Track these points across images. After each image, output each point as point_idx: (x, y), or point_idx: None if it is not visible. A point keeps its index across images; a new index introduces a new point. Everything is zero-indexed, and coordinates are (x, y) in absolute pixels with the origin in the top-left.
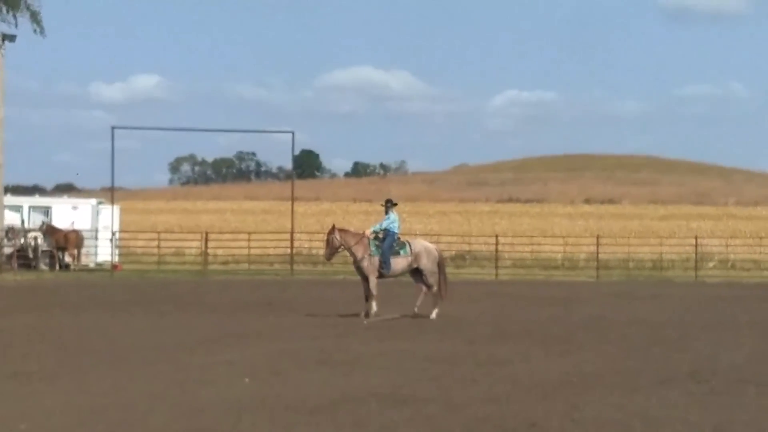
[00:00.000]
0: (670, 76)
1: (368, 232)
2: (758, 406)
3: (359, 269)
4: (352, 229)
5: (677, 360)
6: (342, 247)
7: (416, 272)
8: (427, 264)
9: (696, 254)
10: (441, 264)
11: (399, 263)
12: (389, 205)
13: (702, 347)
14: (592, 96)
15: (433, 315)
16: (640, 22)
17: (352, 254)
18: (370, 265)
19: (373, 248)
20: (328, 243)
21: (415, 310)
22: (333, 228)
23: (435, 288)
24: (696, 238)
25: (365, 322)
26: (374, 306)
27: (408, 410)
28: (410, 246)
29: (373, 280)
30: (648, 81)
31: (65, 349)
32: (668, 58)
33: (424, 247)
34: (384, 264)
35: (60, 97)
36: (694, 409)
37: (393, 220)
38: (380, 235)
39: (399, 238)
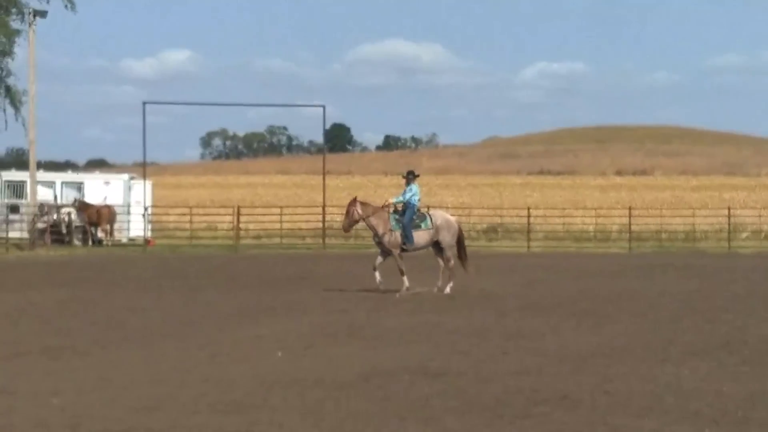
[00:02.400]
0: (700, 46)
1: (391, 200)
2: None
3: (380, 244)
4: (373, 203)
5: (709, 331)
6: (362, 220)
7: (437, 245)
8: (447, 237)
9: (729, 225)
10: (461, 237)
11: (421, 237)
12: (411, 176)
13: (733, 318)
14: (622, 67)
15: (447, 289)
16: None
17: (373, 228)
18: (393, 239)
19: (393, 222)
20: (348, 214)
21: (438, 287)
22: (354, 200)
23: (452, 262)
24: (729, 208)
25: (397, 295)
26: (405, 281)
27: (439, 383)
28: (431, 218)
29: (398, 257)
30: (678, 51)
31: (97, 324)
32: (699, 28)
33: (445, 220)
34: (407, 237)
35: (91, 72)
36: (725, 380)
37: (415, 192)
38: (399, 208)
39: (419, 211)
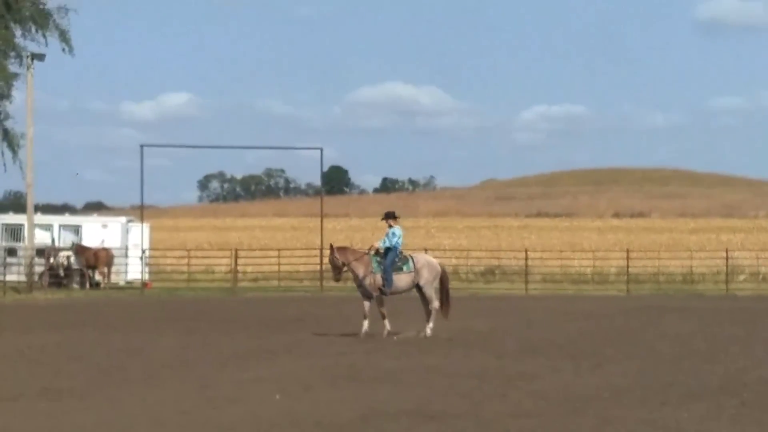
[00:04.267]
0: (698, 88)
1: (376, 244)
2: None
3: (361, 287)
4: (348, 243)
5: (707, 373)
6: (345, 266)
7: (420, 290)
8: (427, 277)
9: (726, 267)
10: (444, 279)
11: (402, 280)
12: (391, 218)
13: (732, 361)
14: (621, 109)
15: (428, 331)
16: (667, 34)
17: (353, 272)
18: (374, 282)
19: (375, 265)
20: (332, 264)
21: (422, 333)
22: (331, 248)
23: (435, 303)
24: (726, 251)
25: (395, 338)
26: (387, 325)
27: (438, 426)
28: (413, 261)
29: (366, 303)
30: (677, 93)
31: (96, 366)
32: (696, 70)
33: (427, 261)
34: (386, 281)
35: (89, 115)
36: (724, 422)
37: (399, 236)
38: (381, 251)
39: (402, 254)
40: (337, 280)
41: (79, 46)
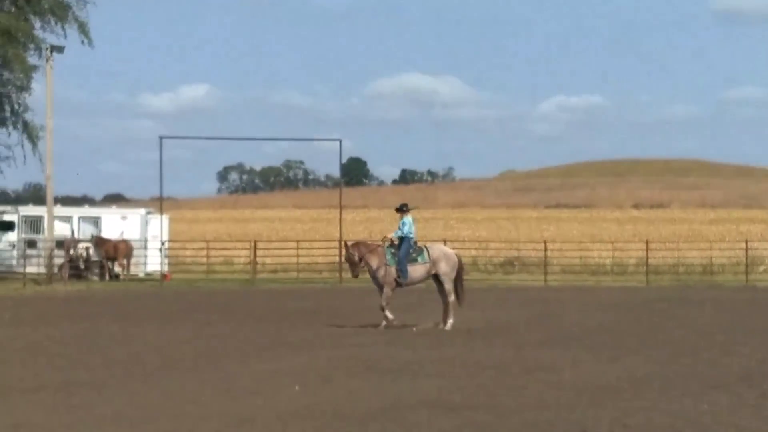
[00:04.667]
0: (719, 78)
1: (389, 236)
2: None
3: (375, 279)
4: (365, 240)
5: (728, 364)
6: (360, 260)
7: (438, 281)
8: (446, 269)
9: (746, 258)
10: (460, 270)
11: (417, 270)
12: (404, 209)
13: (753, 352)
14: (639, 100)
15: (448, 325)
16: (688, 24)
17: (368, 264)
18: (387, 275)
19: (389, 257)
20: (348, 261)
21: (441, 325)
22: (345, 245)
23: (453, 297)
24: (746, 242)
25: (414, 329)
26: (389, 314)
27: (457, 417)
28: (428, 251)
29: (387, 291)
30: (697, 83)
31: (115, 358)
32: (717, 60)
33: (443, 252)
34: (401, 272)
35: (109, 107)
36: (745, 413)
37: (409, 225)
38: (395, 242)
39: (416, 244)
40: (355, 276)
41: (98, 38)
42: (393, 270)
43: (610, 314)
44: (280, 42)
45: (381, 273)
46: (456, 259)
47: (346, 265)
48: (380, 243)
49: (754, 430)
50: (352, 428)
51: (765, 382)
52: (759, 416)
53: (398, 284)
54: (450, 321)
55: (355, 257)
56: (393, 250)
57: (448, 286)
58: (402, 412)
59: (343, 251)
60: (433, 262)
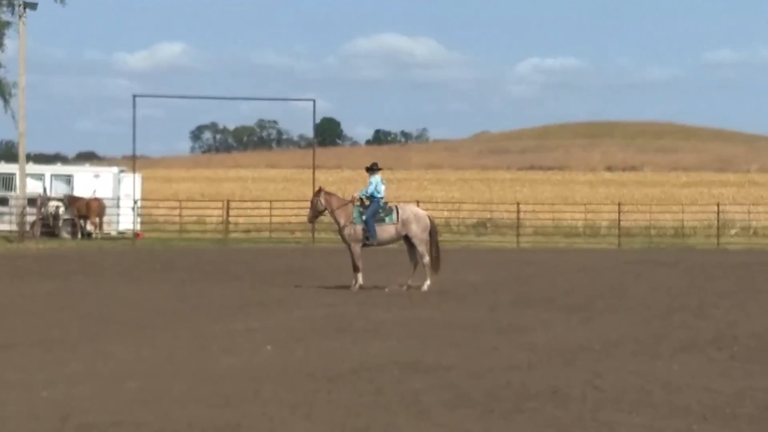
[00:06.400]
0: (695, 41)
1: (356, 194)
2: None
3: (342, 236)
4: (339, 194)
5: (698, 327)
6: (326, 210)
7: (409, 242)
8: (416, 231)
9: (718, 221)
10: (433, 232)
11: (386, 231)
12: (374, 169)
13: (723, 314)
14: (617, 62)
15: (425, 287)
16: None
17: (336, 220)
18: (354, 233)
19: (356, 215)
20: (312, 205)
21: (408, 282)
22: (320, 190)
23: (426, 258)
24: (718, 205)
25: (386, 290)
26: (359, 278)
27: (429, 378)
28: (398, 212)
29: (356, 250)
30: (673, 47)
31: (87, 316)
32: (694, 23)
33: (413, 213)
34: (369, 232)
35: (84, 65)
36: (715, 375)
37: (376, 184)
38: (366, 202)
39: (387, 204)
40: (310, 221)
41: None
42: (359, 229)
43: (582, 276)
44: (258, 1)
45: (347, 231)
46: (428, 221)
47: (318, 222)
48: (350, 200)
49: (723, 391)
50: (323, 387)
51: (735, 345)
52: (729, 377)
53: (366, 245)
54: (427, 282)
55: (321, 206)
56: (361, 209)
57: (421, 248)
58: (374, 372)
59: (313, 195)
60: (403, 223)
